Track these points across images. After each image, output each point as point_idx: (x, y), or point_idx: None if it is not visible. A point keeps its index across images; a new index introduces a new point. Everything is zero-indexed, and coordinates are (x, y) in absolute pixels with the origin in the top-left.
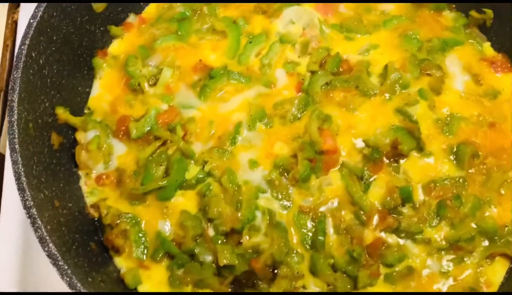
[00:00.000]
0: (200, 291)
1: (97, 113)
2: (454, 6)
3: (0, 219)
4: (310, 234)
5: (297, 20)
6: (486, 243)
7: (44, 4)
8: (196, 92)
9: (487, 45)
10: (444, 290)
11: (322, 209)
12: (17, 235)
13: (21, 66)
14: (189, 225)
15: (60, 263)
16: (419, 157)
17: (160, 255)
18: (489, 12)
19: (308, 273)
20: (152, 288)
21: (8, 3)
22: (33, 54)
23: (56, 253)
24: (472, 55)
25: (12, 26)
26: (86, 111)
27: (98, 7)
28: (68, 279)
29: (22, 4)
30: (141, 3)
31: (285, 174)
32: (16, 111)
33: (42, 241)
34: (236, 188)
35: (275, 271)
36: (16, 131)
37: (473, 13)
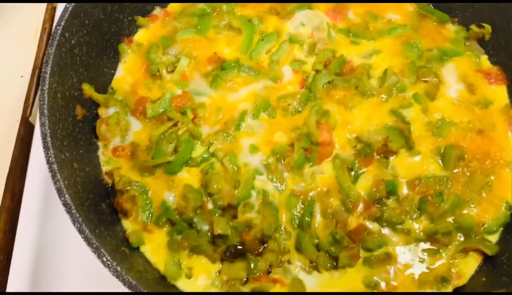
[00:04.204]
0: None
1: (119, 92)
2: (456, 19)
3: (27, 182)
4: (299, 215)
5: (307, 23)
6: (462, 238)
7: None
8: (209, 81)
9: (484, 57)
10: (417, 276)
11: (312, 194)
12: (38, 196)
13: (55, 44)
14: (190, 197)
15: (73, 211)
16: (408, 155)
17: (162, 221)
18: (488, 27)
19: (294, 249)
20: (153, 249)
21: None
22: (67, 35)
23: (70, 202)
24: (469, 66)
25: (51, 11)
26: (109, 90)
27: None
28: (78, 225)
29: None
30: None
31: (282, 160)
32: (47, 82)
33: (59, 192)
34: (236, 169)
35: (264, 245)
36: (46, 98)
37: (473, 27)
